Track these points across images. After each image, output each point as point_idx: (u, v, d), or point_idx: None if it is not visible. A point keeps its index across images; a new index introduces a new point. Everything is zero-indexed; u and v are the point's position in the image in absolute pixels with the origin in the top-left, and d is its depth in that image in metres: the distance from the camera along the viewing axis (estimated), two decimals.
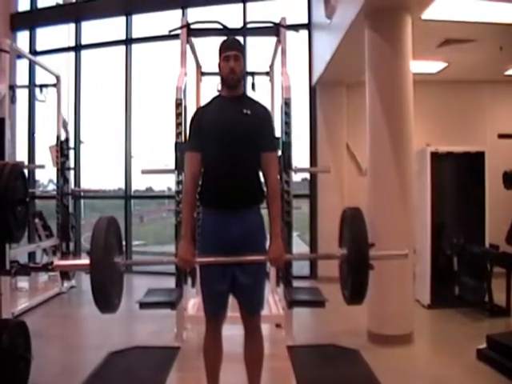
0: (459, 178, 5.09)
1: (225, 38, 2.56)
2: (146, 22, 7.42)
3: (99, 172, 7.74)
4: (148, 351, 3.63)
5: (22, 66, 7.47)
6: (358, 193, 4.75)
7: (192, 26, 4.13)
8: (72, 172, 6.45)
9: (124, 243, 4.00)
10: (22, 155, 7.49)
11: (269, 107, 2.97)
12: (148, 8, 7.33)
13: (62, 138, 5.99)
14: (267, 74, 5.16)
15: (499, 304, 4.50)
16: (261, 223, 2.48)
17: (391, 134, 3.86)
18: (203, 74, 5.07)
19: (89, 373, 3.19)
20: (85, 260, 2.15)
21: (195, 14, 6.98)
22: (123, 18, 7.43)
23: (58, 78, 6.08)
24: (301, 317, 4.23)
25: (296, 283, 3.88)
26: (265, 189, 2.48)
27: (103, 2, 7.47)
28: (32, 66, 7.63)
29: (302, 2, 6.79)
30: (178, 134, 3.85)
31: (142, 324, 4.51)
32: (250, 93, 4.21)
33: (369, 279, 2.27)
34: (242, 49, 2.50)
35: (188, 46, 4.23)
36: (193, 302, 4.38)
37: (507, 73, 5.92)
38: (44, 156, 6.50)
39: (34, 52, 7.76)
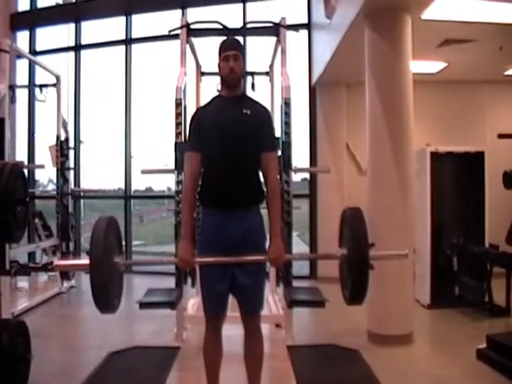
0: (459, 178, 5.09)
1: (224, 37, 2.56)
2: (145, 22, 7.42)
3: (99, 172, 7.75)
4: (148, 351, 3.63)
5: (21, 65, 7.48)
6: (358, 193, 4.75)
7: (192, 26, 4.13)
8: (72, 172, 6.45)
9: (124, 243, 4.00)
10: (21, 155, 7.50)
11: (269, 107, 2.97)
12: (148, 8, 7.33)
13: (62, 137, 5.99)
14: (267, 73, 5.16)
15: (499, 304, 4.50)
16: (260, 223, 2.48)
17: (391, 133, 3.86)
18: (203, 73, 5.07)
19: (89, 373, 3.20)
20: (85, 260, 2.15)
21: (195, 14, 6.98)
22: (123, 18, 7.43)
23: (57, 77, 6.07)
24: (301, 317, 4.24)
25: (296, 283, 3.87)
26: (265, 189, 2.48)
27: (103, 2, 7.47)
28: (32, 66, 7.63)
29: (301, 1, 6.79)
30: (178, 134, 3.85)
31: (141, 324, 4.51)
32: (249, 93, 4.21)
33: (369, 279, 2.27)
34: (241, 49, 2.50)
35: (188, 46, 4.23)
36: (193, 302, 4.38)
37: (507, 73, 5.92)
38: (44, 156, 6.50)
39: (33, 52, 7.76)
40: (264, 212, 2.51)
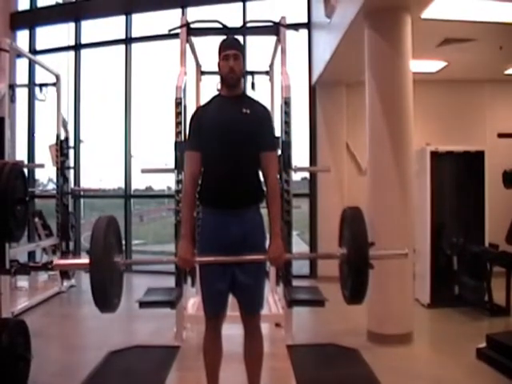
0: (459, 178, 5.09)
1: (224, 37, 2.56)
2: (145, 21, 7.42)
3: (99, 171, 7.75)
4: (148, 350, 3.63)
5: (21, 65, 7.48)
6: (358, 192, 4.75)
7: (192, 25, 4.13)
8: (72, 171, 6.46)
9: (124, 242, 4.00)
10: (21, 154, 7.50)
11: (268, 106, 2.97)
12: (148, 7, 7.33)
13: (62, 137, 5.99)
14: (267, 73, 5.15)
15: (499, 303, 4.50)
16: (260, 222, 2.48)
17: (391, 133, 3.86)
18: (203, 73, 5.07)
19: (88, 372, 3.19)
20: (84, 259, 2.15)
21: (195, 13, 6.98)
22: (123, 17, 7.43)
23: (57, 77, 6.07)
24: (300, 316, 4.24)
25: (296, 282, 3.87)
26: (264, 188, 2.48)
27: (103, 1, 7.48)
28: (32, 65, 7.63)
29: (301, 1, 6.78)
30: (178, 134, 3.85)
31: (141, 323, 4.51)
32: (249, 92, 4.21)
33: (369, 279, 2.27)
34: (241, 48, 2.50)
35: (188, 46, 4.23)
36: (192, 302, 4.38)
37: (507, 72, 5.92)
38: (44, 155, 6.50)
39: (33, 51, 7.75)
40: (264, 211, 2.51)
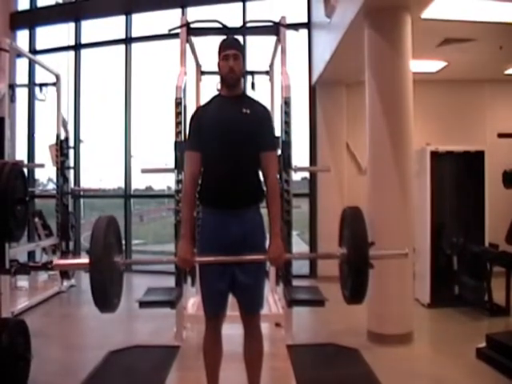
0: (459, 178, 5.09)
1: (224, 37, 2.56)
2: (145, 21, 7.42)
3: (99, 171, 7.75)
4: (148, 350, 3.63)
5: (21, 64, 7.48)
6: (358, 192, 4.75)
7: (192, 25, 4.13)
8: (72, 171, 6.46)
9: (124, 242, 4.00)
10: (21, 154, 7.50)
11: (268, 106, 2.97)
12: (148, 7, 7.33)
13: (62, 137, 5.99)
14: (267, 73, 5.16)
15: (499, 303, 4.50)
16: (260, 222, 2.48)
17: (391, 133, 3.86)
18: (203, 73, 5.07)
19: (88, 372, 3.20)
20: (84, 259, 2.16)
21: (195, 13, 6.98)
22: (123, 17, 7.42)
23: (57, 76, 6.07)
24: (300, 316, 4.24)
25: (296, 282, 3.88)
26: (264, 188, 2.48)
27: (103, 1, 7.48)
28: (32, 65, 7.63)
29: (301, 1, 6.78)
30: (178, 133, 3.85)
31: (141, 323, 4.51)
32: (249, 92, 4.21)
33: (369, 278, 2.27)
34: (241, 48, 2.50)
35: (188, 45, 4.23)
36: (192, 301, 4.38)
37: (507, 72, 5.92)
38: (44, 155, 6.50)
39: (33, 51, 7.75)
40: (264, 211, 2.51)
